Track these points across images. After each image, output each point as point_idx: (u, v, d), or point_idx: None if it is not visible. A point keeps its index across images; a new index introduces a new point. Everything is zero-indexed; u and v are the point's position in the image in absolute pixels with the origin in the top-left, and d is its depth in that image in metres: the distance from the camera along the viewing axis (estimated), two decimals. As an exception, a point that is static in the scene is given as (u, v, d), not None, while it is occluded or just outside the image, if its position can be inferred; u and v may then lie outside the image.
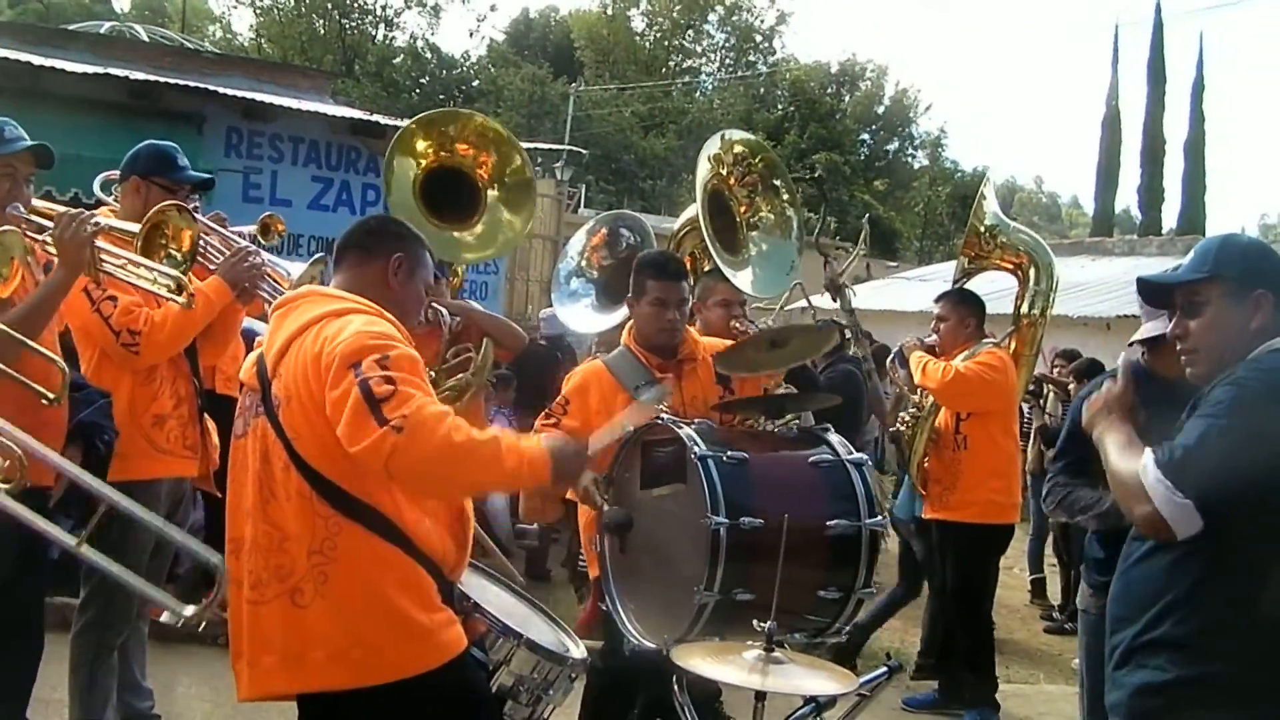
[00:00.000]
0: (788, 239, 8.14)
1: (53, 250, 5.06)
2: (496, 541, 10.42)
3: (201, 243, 6.08)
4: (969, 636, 8.70)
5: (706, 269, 8.15)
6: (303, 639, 4.10)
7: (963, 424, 8.55)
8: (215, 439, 6.39)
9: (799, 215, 8.34)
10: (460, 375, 7.60)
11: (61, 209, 5.19)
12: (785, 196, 8.15)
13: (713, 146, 8.15)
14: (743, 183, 8.04)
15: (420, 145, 7.91)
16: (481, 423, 7.88)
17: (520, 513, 10.47)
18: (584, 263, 9.03)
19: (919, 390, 8.83)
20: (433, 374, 7.30)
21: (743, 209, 7.89)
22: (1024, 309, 9.17)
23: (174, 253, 5.48)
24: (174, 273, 5.29)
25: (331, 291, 4.39)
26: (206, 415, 6.40)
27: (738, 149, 8.23)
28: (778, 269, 8.02)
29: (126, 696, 6.44)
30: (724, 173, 8.00)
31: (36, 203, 5.27)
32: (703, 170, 7.94)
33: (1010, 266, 9.21)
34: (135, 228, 5.34)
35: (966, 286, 9.16)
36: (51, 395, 4.88)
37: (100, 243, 5.16)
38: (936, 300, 8.97)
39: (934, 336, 8.76)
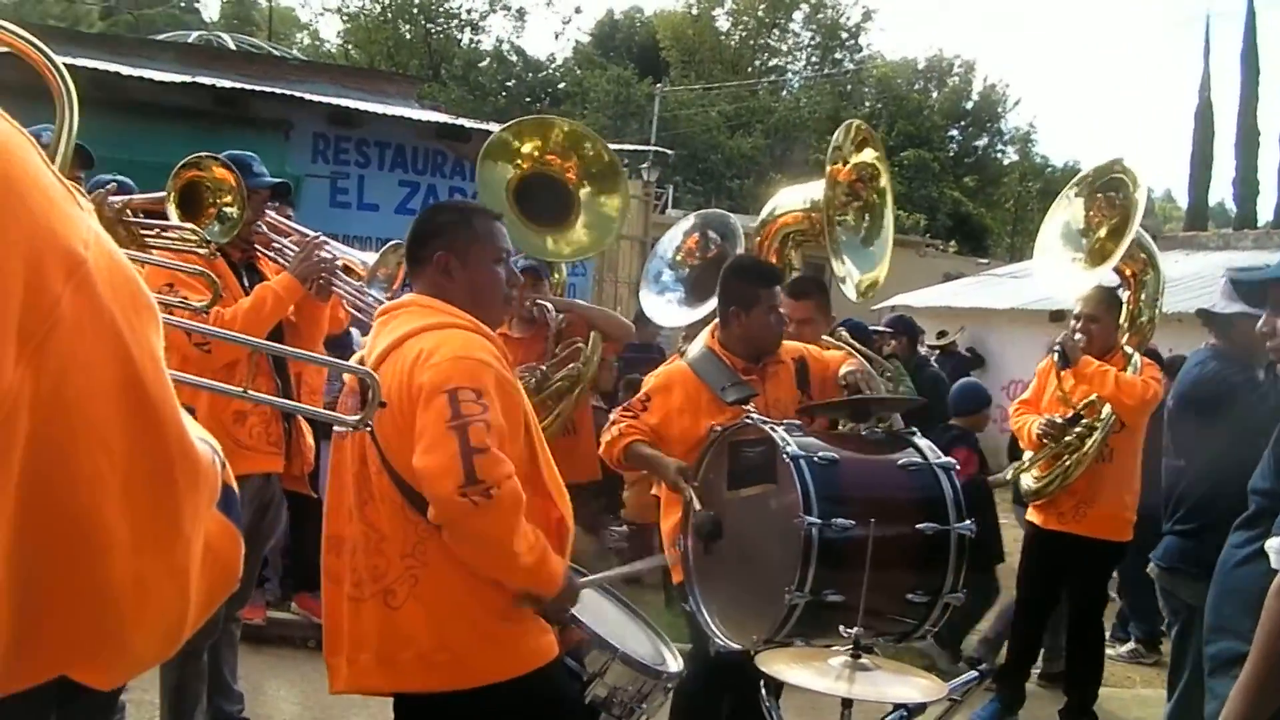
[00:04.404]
0: (869, 245, 8.02)
1: None
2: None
3: (277, 243, 6.11)
4: (1088, 651, 8.52)
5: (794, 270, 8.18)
6: (395, 639, 4.18)
7: (1113, 436, 8.11)
8: (310, 440, 6.42)
9: (887, 233, 8.17)
10: (571, 365, 7.65)
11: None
12: (867, 223, 8.05)
13: (848, 133, 8.00)
14: (851, 188, 7.95)
15: (506, 159, 7.95)
16: (587, 422, 7.93)
17: (623, 512, 10.47)
18: (677, 259, 9.02)
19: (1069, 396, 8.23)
20: (543, 369, 7.37)
21: (836, 201, 7.81)
22: (1141, 316, 8.69)
23: (226, 208, 5.49)
24: (190, 226, 5.28)
25: (432, 302, 4.39)
26: (301, 420, 6.42)
27: (868, 155, 8.11)
28: (874, 266, 7.94)
29: (217, 699, 6.47)
30: (842, 164, 7.91)
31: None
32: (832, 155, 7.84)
33: (1130, 273, 8.72)
34: (160, 195, 5.39)
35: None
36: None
37: (137, 218, 5.18)
38: (1081, 299, 8.39)
39: (1080, 338, 8.17)
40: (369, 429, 3.95)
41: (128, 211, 5.17)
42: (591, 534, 9.04)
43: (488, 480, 3.87)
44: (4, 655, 1.06)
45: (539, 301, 7.71)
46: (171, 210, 5.44)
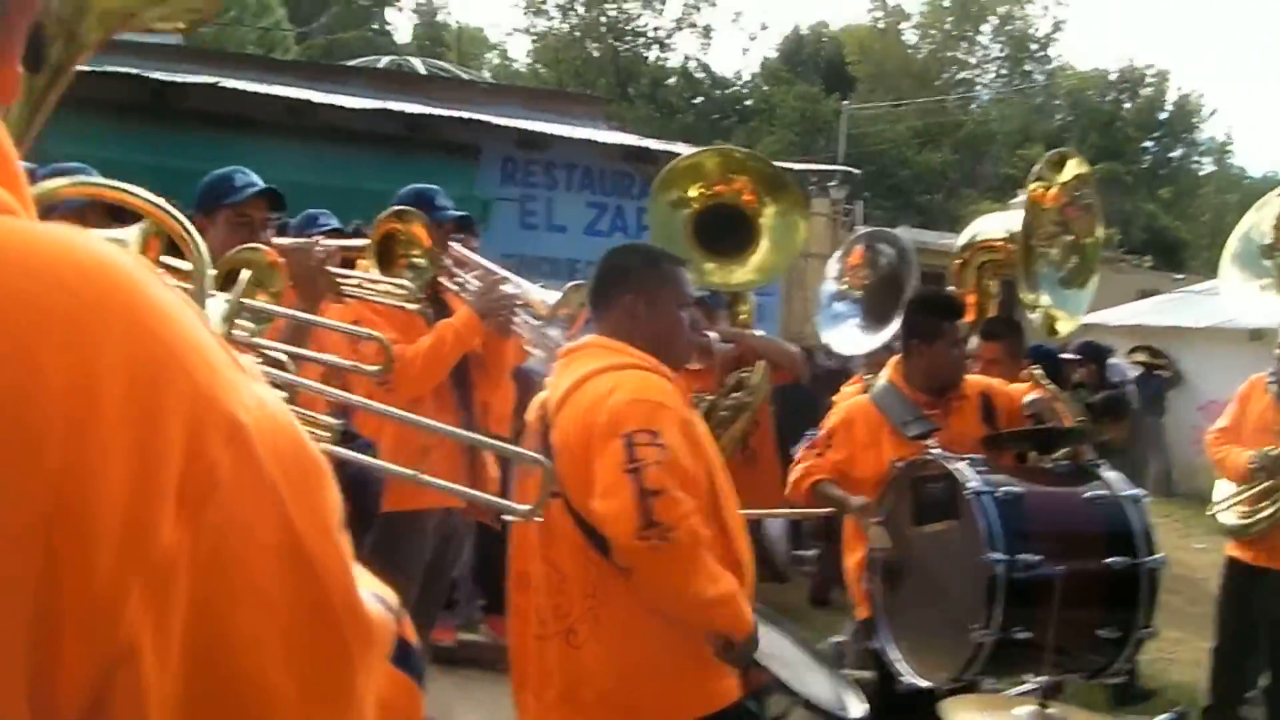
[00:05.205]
0: (1068, 288, 7.87)
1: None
2: (774, 568, 10.40)
3: (460, 278, 6.16)
4: None
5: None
6: (577, 678, 4.19)
7: None
8: (493, 471, 6.46)
9: (1090, 286, 8.01)
10: (735, 395, 7.64)
11: (290, 242, 5.28)
12: (1073, 264, 7.89)
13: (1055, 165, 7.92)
14: (1061, 214, 7.81)
15: (676, 208, 7.96)
16: (769, 451, 7.91)
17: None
18: (844, 285, 8.94)
19: None
20: (710, 398, 7.36)
21: (1043, 230, 7.69)
22: None
23: (417, 258, 5.53)
24: (402, 281, 5.31)
25: (613, 343, 4.39)
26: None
27: (1073, 169, 7.95)
28: (1069, 311, 7.80)
29: (403, 724, 6.53)
30: (1045, 188, 7.79)
31: (275, 240, 5.17)
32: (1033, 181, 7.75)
33: None
34: (364, 243, 5.42)
35: None
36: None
37: (339, 268, 5.22)
38: None
39: None
40: (538, 518, 3.94)
41: (333, 263, 5.23)
42: None
43: (665, 521, 3.87)
44: None
45: (704, 332, 7.71)
46: (371, 262, 5.48)
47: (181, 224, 2.04)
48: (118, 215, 4.95)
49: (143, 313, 1.04)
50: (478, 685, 8.02)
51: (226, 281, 4.07)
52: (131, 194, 1.98)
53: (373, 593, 1.29)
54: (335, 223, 7.36)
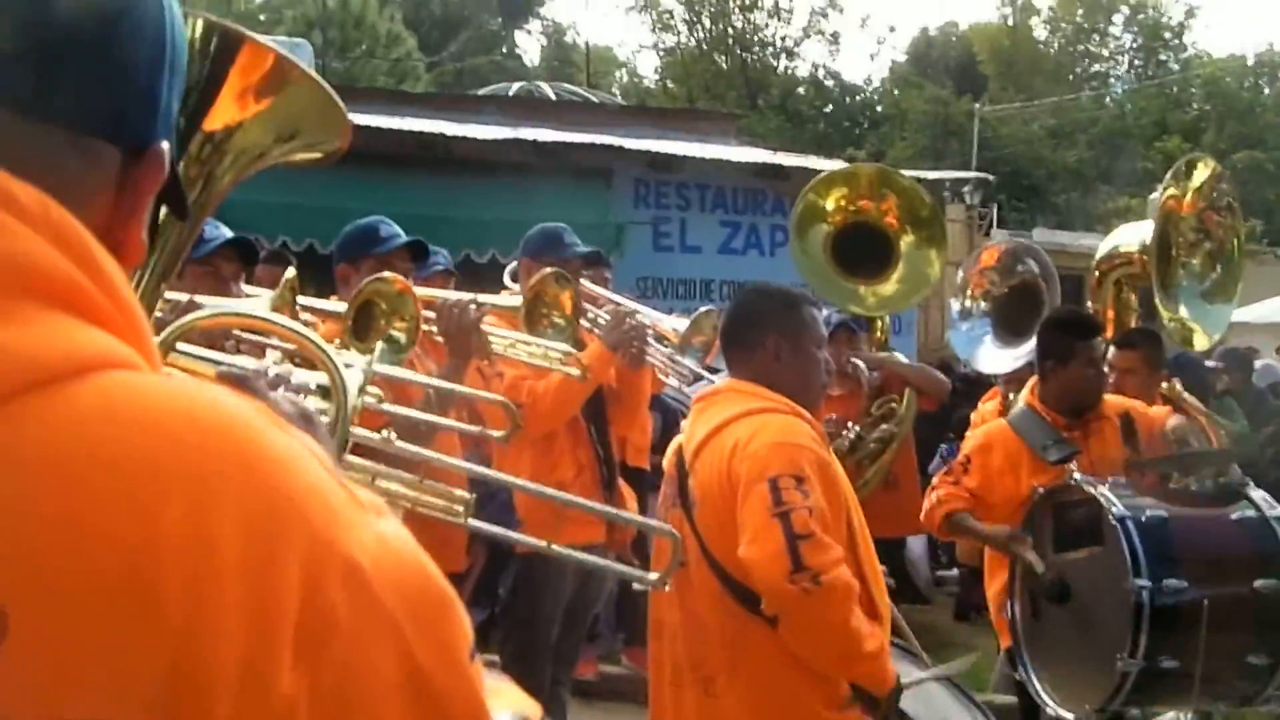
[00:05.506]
0: (1211, 302, 7.73)
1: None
2: (915, 590, 10.34)
3: (590, 313, 6.17)
4: None
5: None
6: None
7: None
8: (633, 505, 6.47)
9: (1231, 302, 7.88)
10: (884, 426, 7.62)
11: (444, 296, 5.33)
12: (1216, 275, 7.75)
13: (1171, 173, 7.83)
14: (1200, 221, 7.70)
15: (824, 207, 7.96)
16: (910, 474, 7.88)
17: (958, 554, 10.34)
18: (968, 299, 8.81)
19: None
20: (857, 430, 7.34)
21: (1181, 240, 7.58)
22: None
23: (557, 320, 5.55)
24: (561, 345, 5.32)
25: (748, 386, 4.40)
26: (624, 484, 6.49)
27: (1203, 172, 7.85)
28: (1209, 326, 7.66)
29: (546, 762, 6.52)
30: (1178, 197, 7.68)
31: (421, 291, 5.29)
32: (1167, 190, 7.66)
33: None
34: (517, 302, 5.42)
35: None
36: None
37: (488, 325, 5.26)
38: None
39: None
40: (667, 580, 3.93)
41: (483, 321, 5.26)
42: None
43: (815, 567, 3.85)
44: None
45: (853, 360, 7.68)
46: (521, 321, 5.50)
47: (318, 346, 2.07)
48: (249, 259, 5.13)
49: (258, 463, 1.07)
50: (620, 718, 8.05)
51: (360, 313, 4.18)
52: (271, 321, 2.02)
53: (512, 714, 1.31)
54: (443, 260, 7.41)
